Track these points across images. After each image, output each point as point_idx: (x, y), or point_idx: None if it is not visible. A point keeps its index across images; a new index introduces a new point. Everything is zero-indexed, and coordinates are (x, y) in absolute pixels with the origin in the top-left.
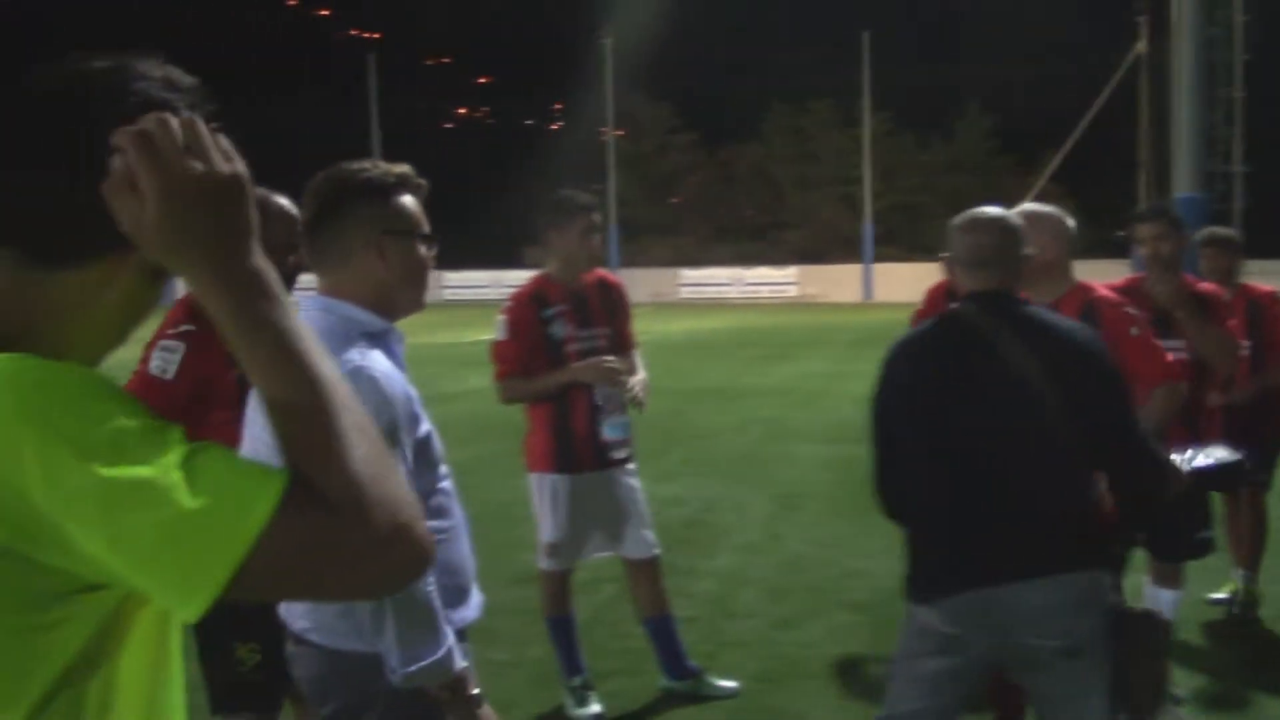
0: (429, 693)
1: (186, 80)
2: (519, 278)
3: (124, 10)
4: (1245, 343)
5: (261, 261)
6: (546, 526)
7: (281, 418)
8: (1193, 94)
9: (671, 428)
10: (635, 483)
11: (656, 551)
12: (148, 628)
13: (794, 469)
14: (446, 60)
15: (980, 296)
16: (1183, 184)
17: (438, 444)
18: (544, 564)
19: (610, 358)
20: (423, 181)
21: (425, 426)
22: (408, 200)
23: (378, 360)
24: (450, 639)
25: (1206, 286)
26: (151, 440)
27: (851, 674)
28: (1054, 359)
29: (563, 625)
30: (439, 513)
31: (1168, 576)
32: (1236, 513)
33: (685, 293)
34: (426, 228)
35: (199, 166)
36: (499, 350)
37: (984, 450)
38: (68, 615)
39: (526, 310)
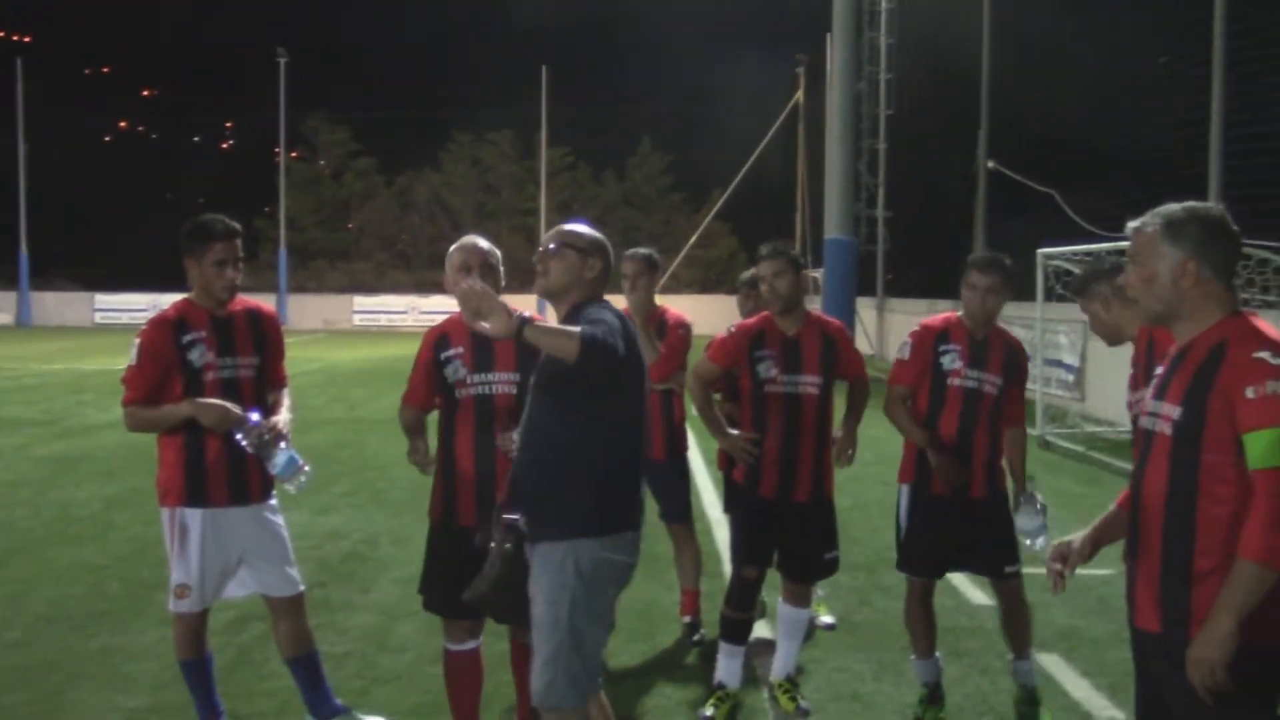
0: None
1: None
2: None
3: None
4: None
5: None
6: (177, 566)
7: None
8: (843, 142)
9: (338, 459)
10: (277, 518)
11: (301, 589)
12: None
13: None
14: (106, 70)
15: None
16: (834, 226)
17: None
18: (174, 606)
19: (226, 403)
20: None
21: None
22: None
23: None
24: None
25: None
26: None
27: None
28: None
29: (196, 668)
30: None
31: (798, 596)
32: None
33: (359, 320)
34: None
35: None
36: (127, 375)
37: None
38: None
39: (161, 335)
